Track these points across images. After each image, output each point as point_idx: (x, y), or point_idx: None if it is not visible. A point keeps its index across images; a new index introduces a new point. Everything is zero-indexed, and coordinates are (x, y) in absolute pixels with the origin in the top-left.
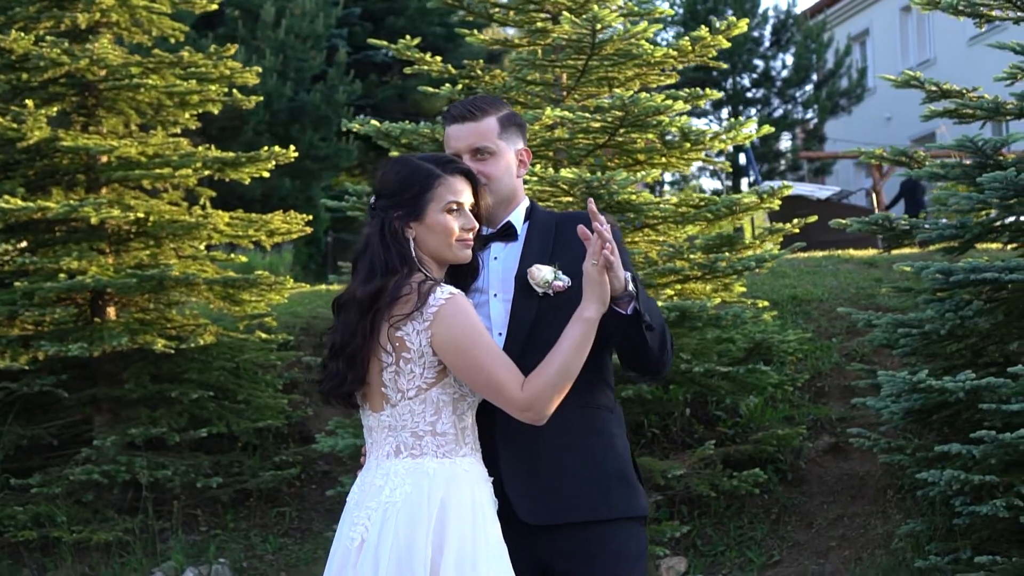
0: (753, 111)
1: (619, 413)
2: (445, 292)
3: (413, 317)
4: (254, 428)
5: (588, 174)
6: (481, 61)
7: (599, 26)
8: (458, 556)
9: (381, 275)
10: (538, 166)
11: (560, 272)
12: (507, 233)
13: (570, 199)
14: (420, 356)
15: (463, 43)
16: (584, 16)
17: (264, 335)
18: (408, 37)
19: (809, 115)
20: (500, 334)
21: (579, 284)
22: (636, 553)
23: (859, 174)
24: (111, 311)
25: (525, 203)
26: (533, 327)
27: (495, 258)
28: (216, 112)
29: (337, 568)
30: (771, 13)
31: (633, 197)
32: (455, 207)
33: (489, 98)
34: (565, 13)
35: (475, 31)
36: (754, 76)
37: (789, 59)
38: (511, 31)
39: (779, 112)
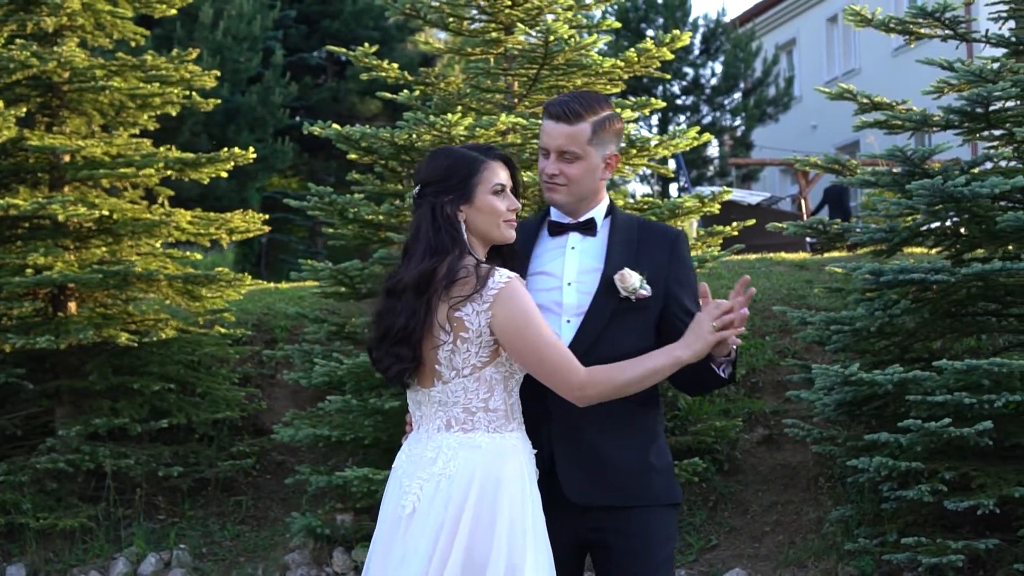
0: (683, 118)
1: (661, 412)
2: (504, 276)
3: (473, 299)
4: (212, 420)
5: None
6: (436, 68)
7: (551, 37)
8: (510, 528)
9: (431, 257)
10: None
11: (645, 281)
12: (587, 227)
13: (525, 201)
14: (478, 336)
15: (397, 46)
16: (537, 28)
17: (223, 330)
18: (367, 44)
19: (737, 122)
20: (569, 320)
21: (655, 292)
22: (669, 535)
23: (784, 181)
24: (72, 306)
25: (606, 201)
26: (609, 323)
27: (572, 247)
28: (174, 114)
29: (387, 533)
30: (701, 22)
31: None
32: (500, 189)
33: (590, 99)
34: (519, 25)
35: (412, 35)
36: (684, 84)
37: (718, 67)
38: (443, 35)
39: (708, 119)
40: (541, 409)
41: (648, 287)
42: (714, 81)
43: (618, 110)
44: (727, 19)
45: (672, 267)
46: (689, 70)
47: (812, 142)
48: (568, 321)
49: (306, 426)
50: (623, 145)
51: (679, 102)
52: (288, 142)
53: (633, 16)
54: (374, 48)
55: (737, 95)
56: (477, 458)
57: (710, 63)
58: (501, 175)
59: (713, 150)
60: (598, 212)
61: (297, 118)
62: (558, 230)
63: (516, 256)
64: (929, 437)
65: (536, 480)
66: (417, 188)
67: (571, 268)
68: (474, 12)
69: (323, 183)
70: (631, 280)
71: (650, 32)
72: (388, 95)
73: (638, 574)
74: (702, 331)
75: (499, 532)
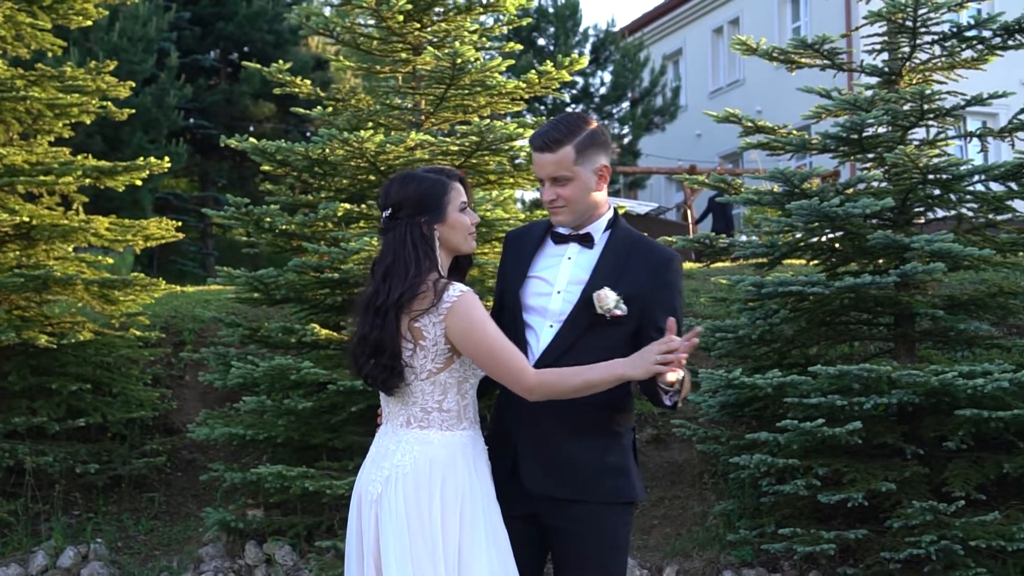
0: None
1: (630, 413)
2: (457, 290)
3: (430, 311)
4: (126, 419)
5: None
6: (347, 85)
7: (459, 60)
8: (460, 515)
9: (405, 275)
10: None
11: (621, 302)
12: (585, 239)
13: None
14: (434, 344)
15: (291, 51)
16: (446, 50)
17: (137, 333)
18: (281, 61)
19: (625, 131)
20: (551, 325)
21: (631, 311)
22: (621, 537)
23: (670, 189)
24: None
25: (608, 215)
26: (584, 333)
27: (568, 258)
28: (88, 122)
29: (357, 512)
30: (591, 32)
31: (488, 213)
32: (464, 206)
33: (567, 123)
34: (429, 48)
35: (303, 41)
36: (574, 92)
37: (607, 77)
38: (332, 42)
39: None
40: (511, 409)
41: (624, 307)
42: (603, 90)
43: (520, 129)
44: (616, 29)
45: (655, 290)
46: (579, 79)
47: (697, 151)
48: (551, 326)
49: (220, 425)
50: (524, 162)
51: (569, 110)
52: (182, 143)
53: (525, 25)
54: (287, 65)
55: (625, 104)
56: (430, 452)
57: (599, 72)
58: (463, 194)
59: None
60: (597, 226)
61: (191, 120)
62: (560, 239)
63: (471, 264)
64: (804, 436)
65: (489, 473)
66: (388, 211)
67: (563, 277)
68: (384, 33)
69: (215, 185)
70: (606, 301)
71: (541, 41)
72: (301, 110)
73: (570, 572)
74: (648, 357)
75: (449, 519)
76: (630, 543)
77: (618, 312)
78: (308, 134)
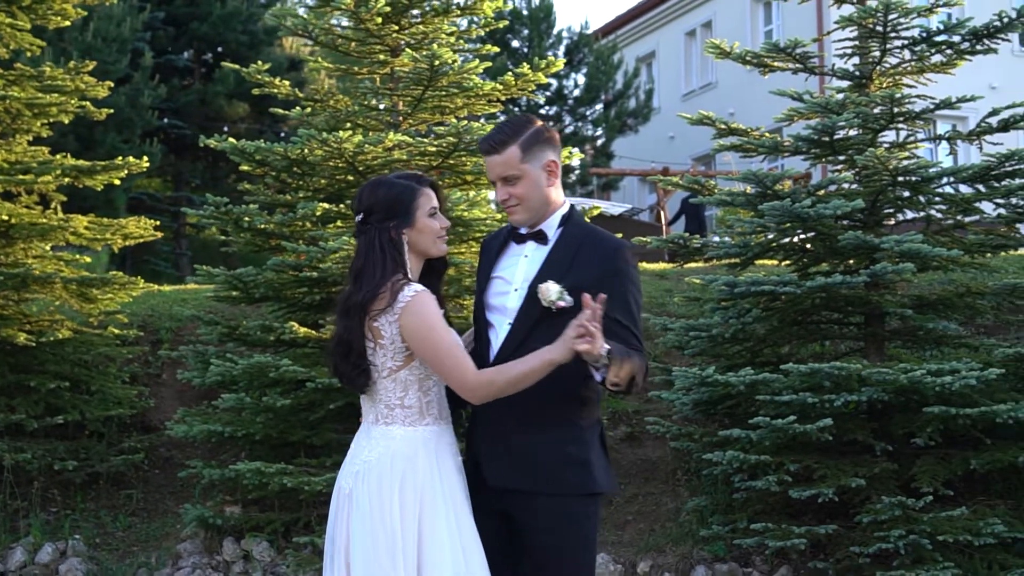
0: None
1: (592, 406)
2: (411, 290)
3: (386, 311)
4: (104, 416)
5: None
6: (329, 87)
7: (437, 62)
8: (420, 506)
9: (372, 278)
10: None
11: (566, 293)
12: (539, 236)
13: None
14: (391, 343)
15: (265, 51)
16: (424, 52)
17: (116, 331)
18: (260, 62)
19: (598, 132)
20: (510, 323)
21: (578, 302)
22: (584, 528)
23: (643, 190)
24: None
25: (563, 210)
26: (533, 329)
27: (525, 256)
28: (67, 122)
29: (334, 506)
30: (565, 34)
31: (464, 214)
32: (434, 211)
33: (512, 125)
34: (408, 50)
35: (277, 42)
36: (548, 94)
37: (581, 79)
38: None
39: (570, 129)
40: (477, 406)
41: (568, 298)
42: (577, 92)
43: (491, 127)
44: (590, 31)
45: (602, 279)
46: (553, 81)
47: (670, 153)
48: (509, 323)
49: (198, 422)
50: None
51: (543, 111)
52: (156, 144)
53: (499, 27)
54: (266, 66)
55: (599, 106)
56: (393, 447)
57: (573, 74)
58: (433, 199)
59: (575, 159)
60: (551, 223)
61: (165, 120)
62: (520, 239)
63: (445, 267)
64: (776, 433)
65: (456, 468)
66: (360, 216)
67: (520, 275)
68: (362, 35)
69: (189, 185)
70: (549, 294)
71: (515, 43)
72: (280, 111)
73: (556, 574)
74: (567, 336)
75: (408, 513)
76: (598, 535)
77: (562, 303)
78: (282, 135)
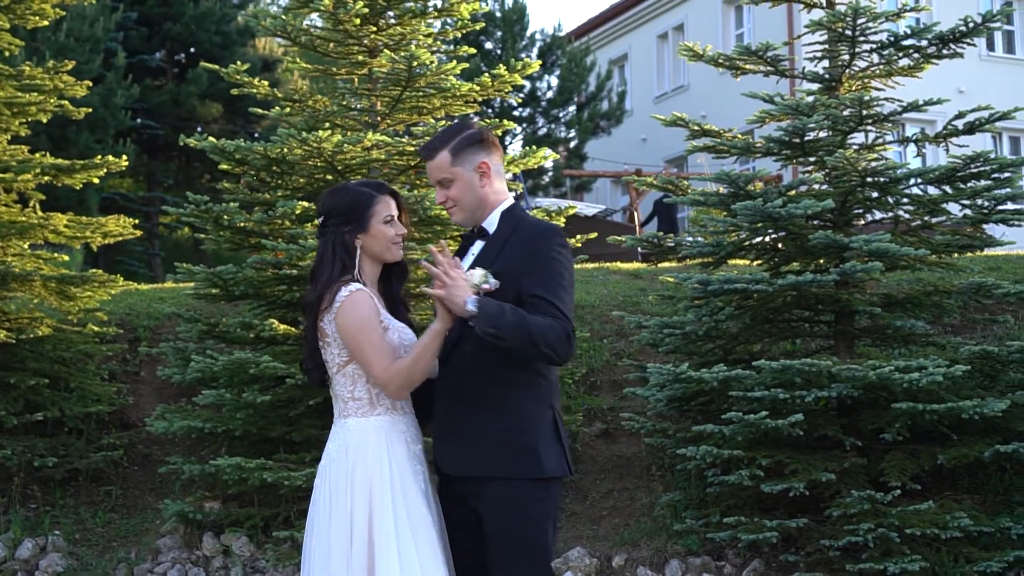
0: (519, 129)
1: (542, 392)
2: (347, 290)
3: (327, 310)
4: (83, 413)
5: (405, 192)
6: (304, 87)
7: (415, 63)
8: (370, 493)
9: (323, 279)
10: None
11: (490, 276)
12: (483, 235)
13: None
14: (334, 340)
15: (238, 51)
16: (402, 53)
17: (96, 328)
18: (239, 63)
19: (571, 134)
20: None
21: (505, 284)
22: (531, 511)
23: (615, 192)
24: None
25: (503, 206)
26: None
27: (472, 253)
28: (45, 121)
29: (314, 496)
30: (538, 36)
31: (443, 213)
32: (390, 219)
33: (444, 131)
34: (386, 51)
35: (250, 42)
36: (521, 96)
37: (554, 81)
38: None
39: (543, 131)
40: (439, 397)
41: (493, 281)
42: (550, 94)
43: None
44: (563, 33)
45: (526, 260)
46: (526, 83)
47: (642, 155)
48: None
49: (177, 419)
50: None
51: (516, 113)
52: (129, 143)
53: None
54: (245, 66)
55: (572, 108)
56: (347, 439)
57: (546, 76)
58: (391, 207)
59: (548, 161)
60: (491, 219)
61: (138, 120)
62: (471, 238)
63: (404, 271)
64: (749, 428)
65: (409, 454)
66: (320, 219)
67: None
68: (341, 36)
69: (162, 186)
70: (473, 278)
71: (489, 45)
72: (260, 110)
73: (508, 558)
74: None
75: (359, 501)
76: (552, 520)
77: (487, 287)
78: (256, 135)
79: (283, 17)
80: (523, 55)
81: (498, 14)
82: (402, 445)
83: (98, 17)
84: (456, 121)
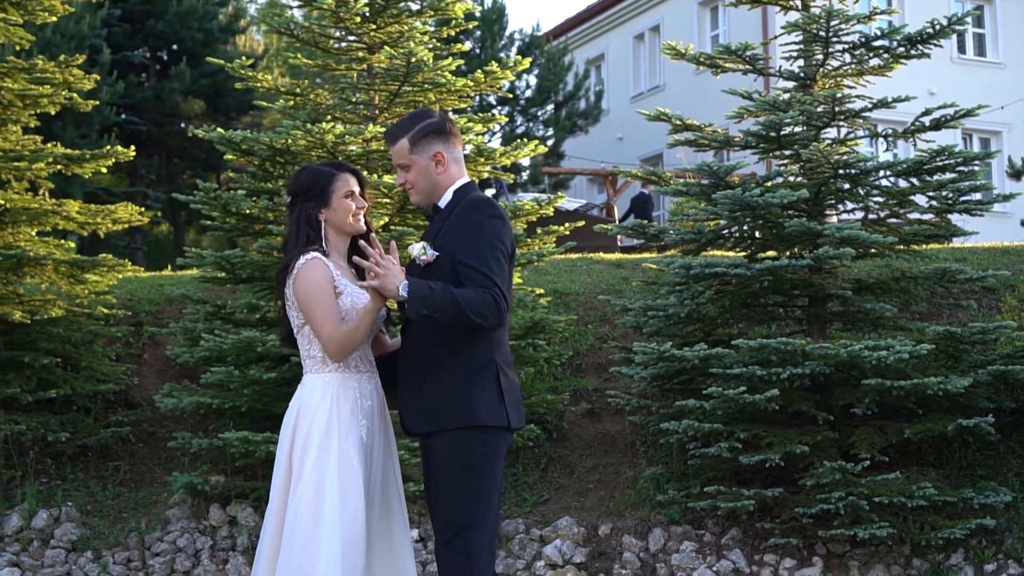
0: (497, 128)
1: (482, 349)
2: (304, 258)
3: (288, 278)
4: (93, 392)
5: None
6: (306, 81)
7: (413, 59)
8: (314, 443)
9: (289, 251)
10: (364, 173)
11: (429, 248)
12: (437, 211)
13: (388, 200)
14: (293, 304)
15: (220, 48)
16: (401, 50)
17: (105, 311)
18: (244, 58)
19: (549, 133)
20: None
21: (443, 255)
22: (466, 450)
23: (592, 190)
24: None
25: (455, 187)
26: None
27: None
28: (54, 112)
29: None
30: (517, 36)
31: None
32: (350, 193)
33: (407, 119)
34: (386, 47)
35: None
36: (499, 95)
37: (533, 80)
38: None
39: (521, 129)
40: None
41: (431, 252)
42: (528, 93)
43: (470, 124)
44: (541, 33)
45: (458, 231)
46: (505, 82)
47: (619, 153)
48: None
49: (185, 396)
50: (472, 153)
51: (494, 112)
52: (113, 139)
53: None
54: (249, 61)
55: (550, 107)
56: (301, 393)
57: (525, 75)
58: (351, 183)
59: (526, 159)
60: (445, 198)
61: (122, 116)
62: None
63: (371, 243)
64: (728, 403)
65: (354, 409)
66: (289, 198)
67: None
68: (342, 33)
69: (143, 181)
70: (412, 251)
71: (468, 44)
72: (265, 104)
73: (432, 495)
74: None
75: (297, 445)
76: (490, 465)
77: (425, 258)
78: (239, 131)
79: (286, 15)
80: (502, 54)
81: (478, 14)
82: (348, 402)
83: (84, 14)
84: (418, 109)
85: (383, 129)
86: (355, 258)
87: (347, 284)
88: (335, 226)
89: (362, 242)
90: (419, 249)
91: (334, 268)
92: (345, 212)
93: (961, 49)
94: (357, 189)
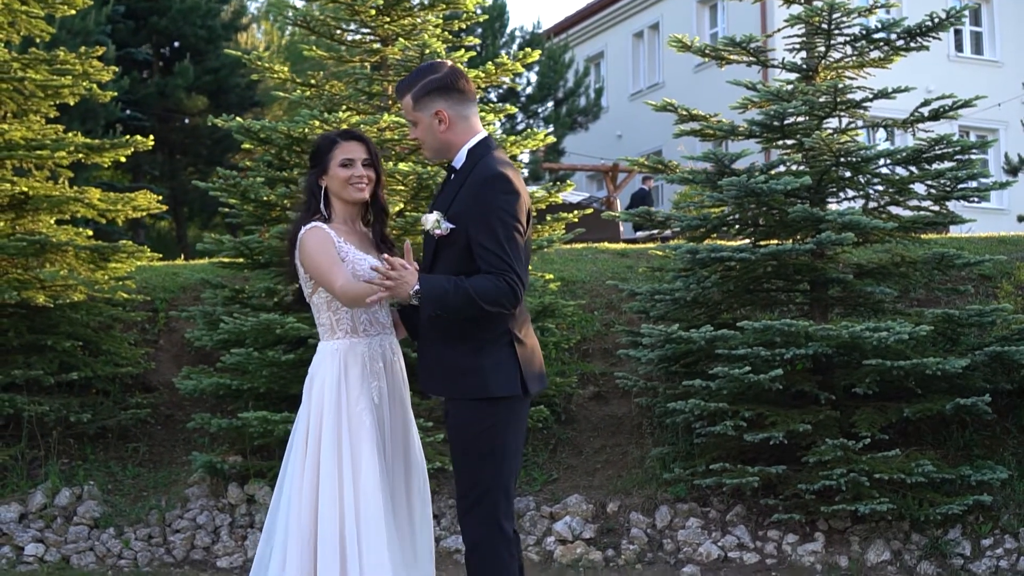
0: (498, 123)
1: (497, 321)
2: (304, 228)
3: (295, 246)
4: (114, 374)
5: (420, 168)
6: (320, 73)
7: (427, 51)
8: (323, 406)
9: (297, 221)
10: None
11: (443, 221)
12: (452, 171)
13: (402, 187)
14: (303, 273)
15: (222, 45)
16: (415, 42)
17: (126, 296)
18: (261, 48)
19: (550, 130)
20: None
21: (459, 228)
22: (476, 425)
23: (591, 185)
24: None
25: (471, 143)
26: (435, 254)
27: (444, 190)
28: (73, 103)
29: None
30: (518, 33)
31: None
32: (348, 162)
33: (413, 74)
34: (400, 39)
35: (234, 36)
36: (501, 91)
37: (533, 77)
38: (261, 36)
39: (522, 126)
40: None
41: (447, 225)
42: (529, 90)
43: (484, 114)
44: (541, 31)
45: (472, 206)
46: (506, 79)
47: (618, 150)
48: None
49: (204, 377)
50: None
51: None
52: (117, 134)
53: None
54: (267, 52)
55: (550, 104)
56: (315, 358)
57: (526, 73)
58: (349, 150)
59: (526, 155)
60: (459, 158)
61: (126, 112)
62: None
63: (384, 212)
64: (733, 383)
65: (363, 374)
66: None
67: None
68: (357, 25)
69: (146, 176)
70: (426, 223)
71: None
72: (282, 94)
73: (453, 461)
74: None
75: (314, 412)
76: (504, 433)
77: (440, 231)
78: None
79: (300, 8)
80: (502, 51)
81: (478, 11)
82: (357, 366)
83: (89, 10)
84: (427, 62)
85: (397, 118)
86: (370, 265)
87: (349, 251)
88: (335, 193)
89: (370, 266)
90: (433, 222)
91: (336, 235)
92: (340, 179)
93: (959, 47)
94: (360, 157)
